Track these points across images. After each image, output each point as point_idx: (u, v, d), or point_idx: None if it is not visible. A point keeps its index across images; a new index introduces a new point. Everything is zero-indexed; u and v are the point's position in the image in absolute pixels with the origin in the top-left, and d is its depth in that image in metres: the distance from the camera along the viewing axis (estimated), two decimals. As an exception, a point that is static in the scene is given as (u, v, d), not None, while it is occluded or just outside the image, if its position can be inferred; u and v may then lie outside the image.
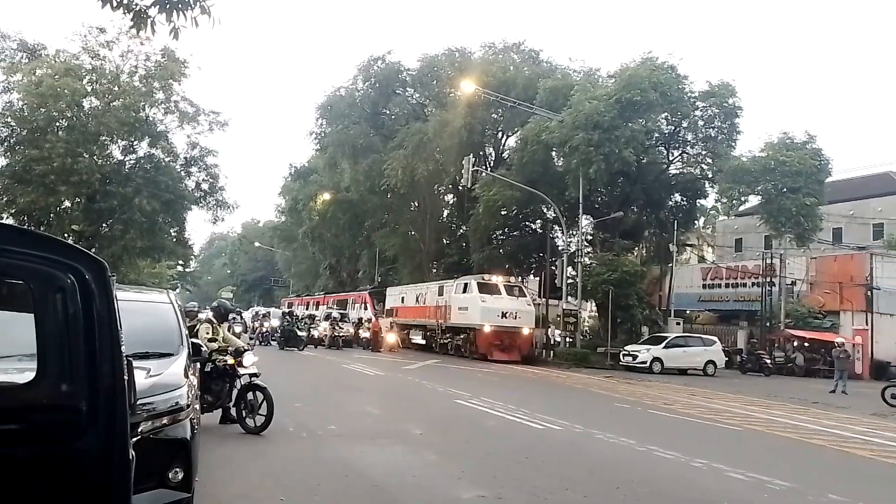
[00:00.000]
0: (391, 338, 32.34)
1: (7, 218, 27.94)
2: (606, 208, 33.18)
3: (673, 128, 33.13)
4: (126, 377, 2.39)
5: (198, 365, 7.11)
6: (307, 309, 46.22)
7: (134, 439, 3.83)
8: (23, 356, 2.44)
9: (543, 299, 31.64)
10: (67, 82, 27.53)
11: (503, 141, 41.94)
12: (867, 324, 31.48)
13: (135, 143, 31.60)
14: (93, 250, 22.79)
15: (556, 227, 34.31)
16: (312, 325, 31.33)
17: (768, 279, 32.45)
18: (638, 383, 20.99)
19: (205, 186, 33.27)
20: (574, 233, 31.84)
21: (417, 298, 34.16)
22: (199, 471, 5.15)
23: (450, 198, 45.27)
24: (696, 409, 14.44)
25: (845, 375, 21.44)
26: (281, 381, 14.69)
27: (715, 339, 28.90)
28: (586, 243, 33.27)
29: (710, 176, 33.88)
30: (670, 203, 36.24)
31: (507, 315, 27.53)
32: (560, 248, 33.13)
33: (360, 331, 32.47)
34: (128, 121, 29.26)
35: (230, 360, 8.48)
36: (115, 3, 6.34)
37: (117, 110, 29.26)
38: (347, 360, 23.82)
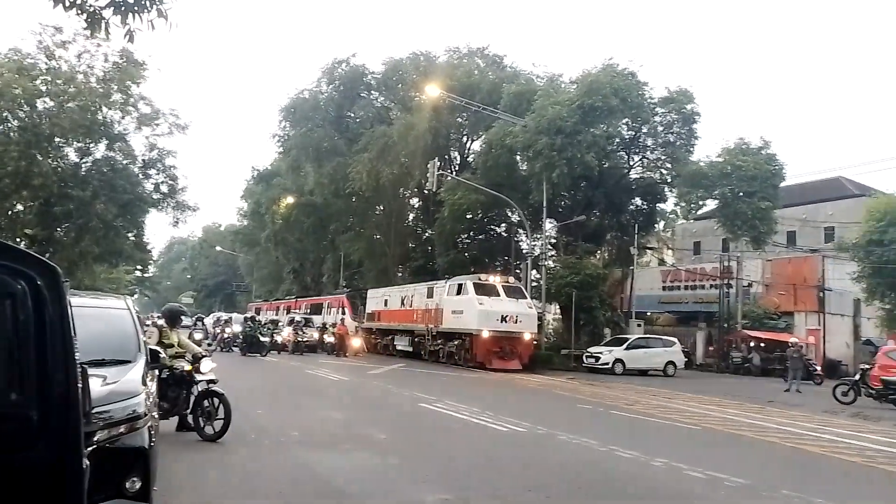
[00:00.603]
0: (356, 342, 32.04)
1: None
2: (569, 212, 33.61)
3: (633, 133, 33.74)
4: (80, 385, 2.35)
5: (156, 372, 6.98)
6: (277, 314, 45.45)
7: (89, 448, 3.76)
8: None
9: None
10: (19, 81, 26.73)
11: (468, 145, 42.19)
12: (819, 324, 32.55)
13: (91, 145, 30.81)
14: (46, 255, 22.16)
15: (521, 231, 34.62)
16: (275, 331, 30.93)
17: (725, 281, 33.30)
18: (600, 384, 21.28)
19: (164, 188, 32.62)
20: (538, 236, 32.15)
21: (403, 301, 31.80)
22: (158, 480, 5.06)
23: (415, 202, 45.30)
24: (657, 410, 14.72)
25: (799, 374, 22.14)
26: (243, 388, 14.49)
27: (675, 340, 29.49)
28: (550, 246, 33.62)
29: (669, 180, 34.60)
30: (631, 207, 36.89)
31: (508, 319, 25.02)
32: (524, 251, 33.42)
33: (325, 335, 32.17)
34: (83, 122, 28.50)
35: (187, 367, 8.35)
36: (67, 3, 6.20)
37: (73, 111, 28.49)
38: (311, 365, 23.59)
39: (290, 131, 43.19)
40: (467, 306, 25.62)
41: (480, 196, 32.41)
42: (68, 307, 2.35)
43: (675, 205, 37.36)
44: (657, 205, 37.90)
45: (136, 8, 6.11)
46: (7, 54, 28.67)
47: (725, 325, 33.66)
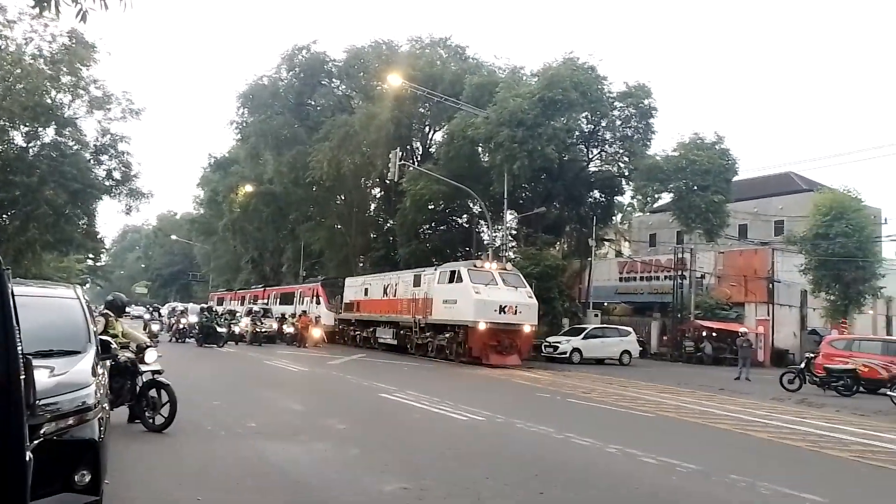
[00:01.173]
0: (316, 333, 31.71)
1: None
2: (530, 204, 33.93)
3: (592, 126, 34.20)
4: (23, 376, 2.27)
5: (108, 363, 6.80)
6: (242, 304, 44.41)
7: (35, 441, 3.64)
8: None
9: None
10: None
11: (430, 135, 42.11)
12: (769, 314, 33.65)
13: (39, 129, 29.67)
14: (-10, 243, 21.31)
15: (482, 222, 34.76)
16: (233, 321, 30.45)
17: (680, 273, 34.16)
18: (558, 373, 21.61)
19: (117, 175, 31.76)
20: (499, 228, 32.33)
21: (386, 290, 29.46)
22: (109, 473, 4.94)
23: (377, 192, 45.06)
24: (612, 398, 15.03)
25: (748, 363, 22.88)
26: (199, 379, 14.25)
27: (630, 329, 30.16)
28: (511, 238, 33.88)
29: (626, 174, 35.22)
30: (590, 199, 37.46)
31: (507, 309, 22.70)
32: (486, 242, 33.58)
33: (285, 326, 31.80)
34: (30, 105, 27.42)
35: (129, 356, 8.21)
36: (12, -21, 5.93)
37: (18, 94, 27.36)
38: (270, 356, 23.31)
39: (248, 118, 42.43)
40: (461, 295, 23.26)
41: (442, 187, 32.43)
42: (10, 296, 2.27)
43: (632, 198, 38.10)
44: (615, 198, 38.57)
45: (88, -15, 5.88)
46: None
47: (679, 316, 34.56)
